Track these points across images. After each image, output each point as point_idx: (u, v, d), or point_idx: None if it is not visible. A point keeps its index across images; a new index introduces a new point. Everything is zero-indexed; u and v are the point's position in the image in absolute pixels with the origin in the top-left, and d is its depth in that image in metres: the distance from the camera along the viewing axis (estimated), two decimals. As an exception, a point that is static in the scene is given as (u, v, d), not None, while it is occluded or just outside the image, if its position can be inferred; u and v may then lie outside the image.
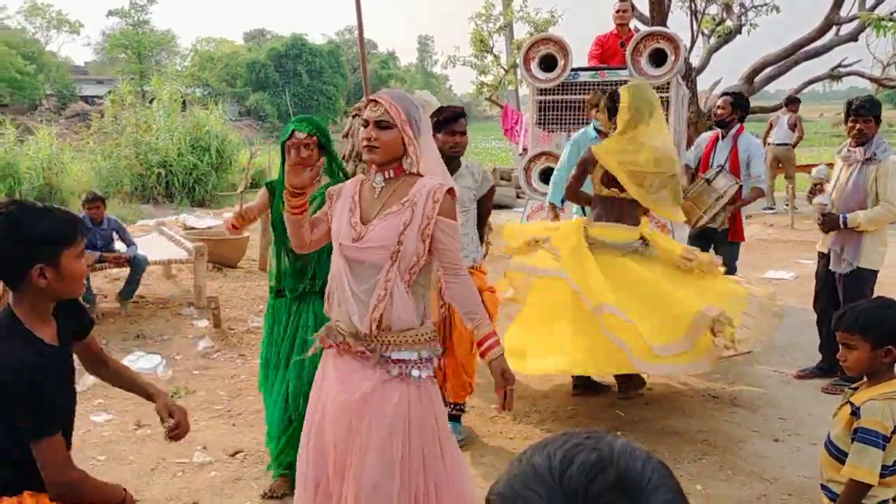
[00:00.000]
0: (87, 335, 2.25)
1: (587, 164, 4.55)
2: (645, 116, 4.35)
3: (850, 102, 4.89)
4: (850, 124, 4.83)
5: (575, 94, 6.78)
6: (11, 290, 1.96)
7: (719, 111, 5.83)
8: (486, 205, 4.32)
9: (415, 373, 2.49)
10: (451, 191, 2.50)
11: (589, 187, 4.66)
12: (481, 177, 4.25)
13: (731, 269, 5.86)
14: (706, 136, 6.11)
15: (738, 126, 5.81)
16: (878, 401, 2.40)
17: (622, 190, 4.42)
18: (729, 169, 5.64)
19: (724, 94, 6.17)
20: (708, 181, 5.54)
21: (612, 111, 4.54)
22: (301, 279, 3.60)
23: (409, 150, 2.50)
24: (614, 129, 4.51)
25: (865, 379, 2.51)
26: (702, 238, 5.83)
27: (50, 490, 1.92)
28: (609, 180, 4.45)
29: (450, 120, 4.06)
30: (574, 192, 4.76)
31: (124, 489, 2.12)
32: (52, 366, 1.94)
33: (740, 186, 5.60)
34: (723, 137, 5.84)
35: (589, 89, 6.81)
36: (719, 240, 5.79)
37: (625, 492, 0.76)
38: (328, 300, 2.65)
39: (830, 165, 5.87)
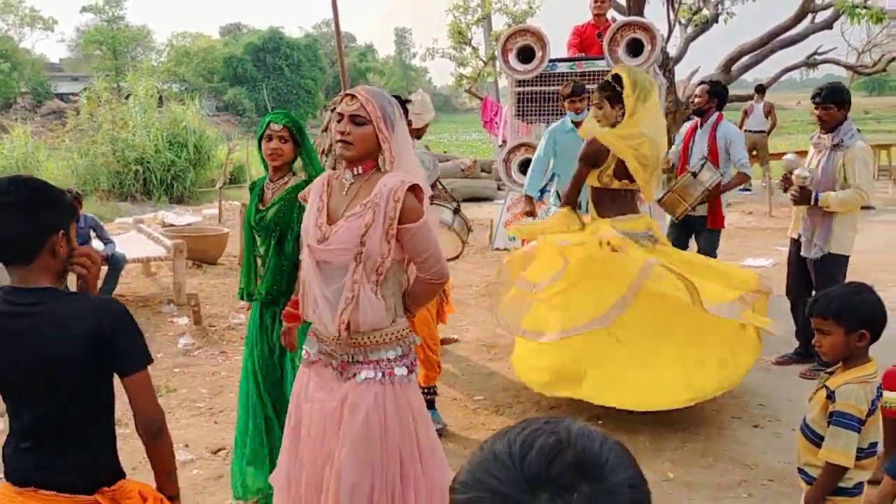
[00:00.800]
0: None
1: (596, 158, 4.35)
2: (646, 94, 4.30)
3: (816, 90, 4.96)
4: (813, 112, 4.95)
5: (553, 84, 6.79)
6: (20, 265, 1.89)
7: (697, 100, 5.83)
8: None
9: (398, 371, 2.49)
10: (414, 187, 2.44)
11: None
12: (432, 164, 4.25)
13: (711, 257, 5.90)
14: (686, 127, 6.14)
15: (716, 115, 5.82)
16: (853, 384, 2.43)
17: (632, 181, 4.34)
18: (708, 157, 5.66)
19: (702, 82, 6.18)
20: (694, 174, 5.55)
21: (615, 98, 4.33)
22: (272, 283, 3.37)
23: (384, 148, 2.46)
24: (621, 117, 4.35)
25: (841, 363, 2.54)
26: (682, 226, 5.85)
27: (142, 425, 1.97)
28: (622, 172, 4.33)
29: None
30: (576, 192, 4.57)
31: None
32: None
33: (720, 179, 5.63)
34: (701, 126, 5.86)
35: (567, 80, 6.83)
36: (699, 228, 5.80)
37: (584, 472, 0.78)
38: (303, 303, 2.63)
39: (802, 153, 5.93)
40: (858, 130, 4.96)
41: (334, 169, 2.64)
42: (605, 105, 4.34)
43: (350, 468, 2.40)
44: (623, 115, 4.32)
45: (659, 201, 5.83)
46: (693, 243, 5.97)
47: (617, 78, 4.35)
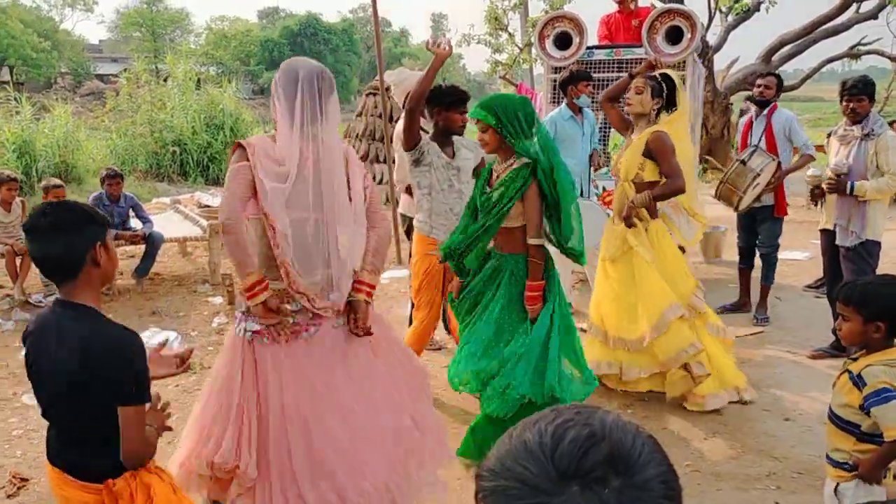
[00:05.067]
0: None
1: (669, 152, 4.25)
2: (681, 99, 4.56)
3: (843, 83, 5.00)
4: (843, 104, 4.94)
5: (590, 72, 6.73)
6: (68, 281, 2.05)
7: (766, 91, 5.79)
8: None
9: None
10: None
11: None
12: (474, 146, 4.30)
13: (773, 246, 5.89)
14: (743, 121, 6.15)
15: (772, 104, 5.81)
16: (877, 366, 2.45)
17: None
18: (766, 146, 5.66)
19: (768, 74, 6.06)
20: (743, 162, 5.55)
21: (657, 91, 4.33)
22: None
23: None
24: (655, 110, 4.35)
25: (864, 350, 2.56)
26: (747, 217, 5.91)
27: (126, 456, 2.05)
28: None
29: (465, 100, 4.29)
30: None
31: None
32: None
33: (779, 162, 5.62)
34: (756, 117, 5.86)
35: (604, 67, 6.78)
36: (764, 216, 5.86)
37: (616, 466, 0.76)
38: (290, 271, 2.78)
39: (818, 147, 5.96)
40: (892, 122, 5.02)
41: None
42: (647, 92, 4.32)
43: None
44: (658, 109, 4.38)
45: (715, 195, 5.83)
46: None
47: (665, 77, 4.46)
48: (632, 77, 4.54)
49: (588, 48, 6.64)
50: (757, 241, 5.99)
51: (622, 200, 4.39)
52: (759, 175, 5.47)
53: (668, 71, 4.55)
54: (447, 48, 3.98)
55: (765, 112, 5.81)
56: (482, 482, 0.82)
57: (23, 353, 2.15)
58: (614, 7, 7.45)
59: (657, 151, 4.23)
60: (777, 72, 6.69)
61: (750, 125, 5.94)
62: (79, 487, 2.08)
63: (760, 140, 5.75)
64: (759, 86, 5.87)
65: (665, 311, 4.15)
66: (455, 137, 4.37)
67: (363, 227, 2.93)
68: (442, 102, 4.25)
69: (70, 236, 2.03)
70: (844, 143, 5.02)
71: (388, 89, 6.63)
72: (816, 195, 5.10)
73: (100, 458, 2.07)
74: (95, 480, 2.07)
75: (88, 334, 1.99)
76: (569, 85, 5.80)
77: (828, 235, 5.17)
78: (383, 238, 3.04)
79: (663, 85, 4.40)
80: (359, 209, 2.90)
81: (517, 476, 0.78)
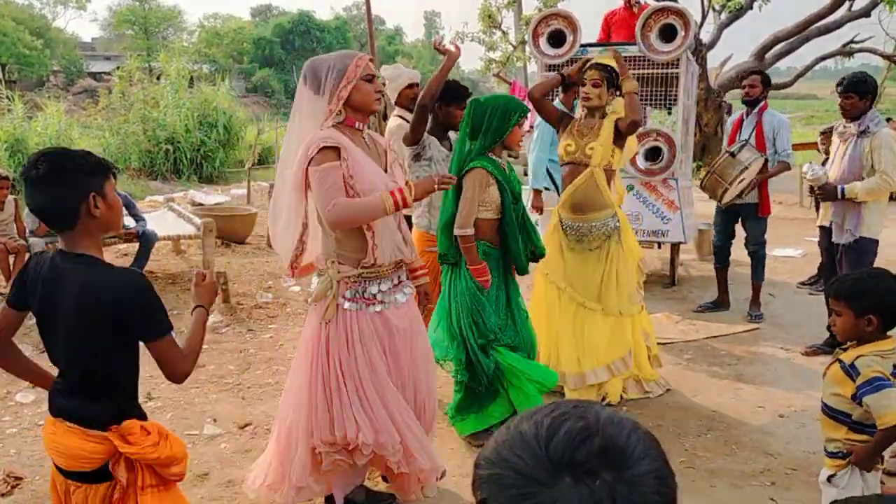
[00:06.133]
0: None
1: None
2: None
3: (840, 80, 5.02)
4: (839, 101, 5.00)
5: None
6: (67, 230, 2.06)
7: (752, 90, 5.84)
8: None
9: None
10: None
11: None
12: None
13: (759, 243, 5.93)
14: (732, 119, 6.22)
15: (762, 103, 5.85)
16: (869, 356, 2.47)
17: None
18: (755, 144, 5.70)
19: (753, 72, 6.11)
20: (732, 154, 5.59)
21: (611, 81, 4.38)
22: None
23: None
24: (611, 100, 4.42)
25: (855, 342, 2.58)
26: (730, 213, 5.94)
27: (172, 379, 2.17)
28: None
29: (466, 97, 4.38)
30: None
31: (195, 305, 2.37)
32: None
33: (766, 159, 5.66)
34: (747, 115, 5.90)
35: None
36: (748, 214, 5.90)
37: (609, 459, 0.77)
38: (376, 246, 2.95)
39: (812, 145, 6.02)
40: (889, 119, 5.01)
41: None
42: (604, 85, 4.36)
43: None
44: (612, 99, 4.42)
45: (700, 185, 5.86)
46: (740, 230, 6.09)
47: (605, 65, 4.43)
48: (563, 77, 4.69)
49: (582, 46, 6.64)
50: (743, 241, 6.05)
51: (590, 186, 4.39)
52: (746, 169, 5.54)
53: (605, 60, 4.50)
54: (456, 49, 4.18)
55: (755, 110, 5.86)
56: (479, 470, 0.83)
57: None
58: (608, 5, 7.47)
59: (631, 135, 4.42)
60: (767, 70, 6.75)
61: (740, 122, 5.99)
62: (78, 435, 2.07)
63: (751, 137, 5.79)
64: (745, 86, 5.95)
65: (612, 364, 4.37)
66: (451, 132, 4.48)
67: None
68: (444, 98, 4.36)
69: (59, 188, 2.01)
70: (843, 140, 5.04)
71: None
72: (819, 196, 5.12)
73: (106, 403, 2.10)
74: (99, 428, 2.08)
75: (88, 279, 2.01)
76: (576, 86, 5.75)
77: (826, 231, 5.20)
78: None
79: (613, 74, 4.40)
80: None
81: (511, 465, 0.79)
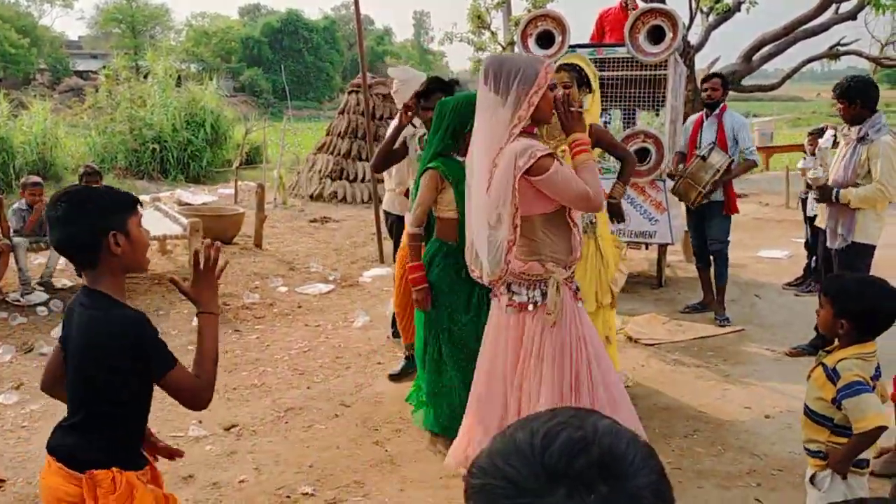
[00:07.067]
0: None
1: None
2: None
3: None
4: None
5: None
6: (89, 269, 2.07)
7: (713, 93, 5.93)
8: None
9: None
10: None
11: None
12: None
13: (723, 243, 5.95)
14: (692, 120, 6.25)
15: (721, 104, 5.93)
16: (851, 359, 2.50)
17: None
18: (717, 144, 5.77)
19: (713, 76, 6.23)
20: (703, 158, 5.63)
21: (581, 81, 4.32)
22: None
23: None
24: (582, 100, 4.34)
25: (837, 342, 2.61)
26: (697, 214, 5.95)
27: (190, 407, 2.15)
28: None
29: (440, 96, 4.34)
30: None
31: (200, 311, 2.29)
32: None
33: (732, 160, 5.73)
34: (707, 117, 5.97)
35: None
36: (714, 213, 5.92)
37: (606, 471, 0.75)
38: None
39: (798, 147, 6.05)
40: None
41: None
42: (574, 86, 4.30)
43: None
44: (584, 97, 4.35)
45: (672, 190, 5.89)
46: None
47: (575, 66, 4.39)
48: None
49: (570, 47, 6.64)
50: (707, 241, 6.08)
51: None
52: (718, 171, 5.57)
53: (573, 59, 4.44)
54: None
55: (715, 113, 5.94)
56: (471, 479, 0.80)
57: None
58: (595, 5, 7.48)
59: (603, 137, 4.31)
60: (755, 71, 6.78)
61: (700, 124, 6.04)
62: (62, 475, 2.04)
63: (715, 138, 5.86)
64: (706, 89, 6.02)
65: None
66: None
67: None
68: (425, 98, 4.39)
69: (77, 227, 2.02)
70: (845, 144, 4.93)
71: (371, 86, 6.61)
72: (815, 197, 5.11)
73: (90, 446, 2.05)
74: (79, 470, 2.03)
75: (90, 319, 2.02)
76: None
77: (823, 235, 5.16)
78: None
79: (582, 73, 4.34)
80: None
81: (505, 475, 0.76)
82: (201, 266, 2.21)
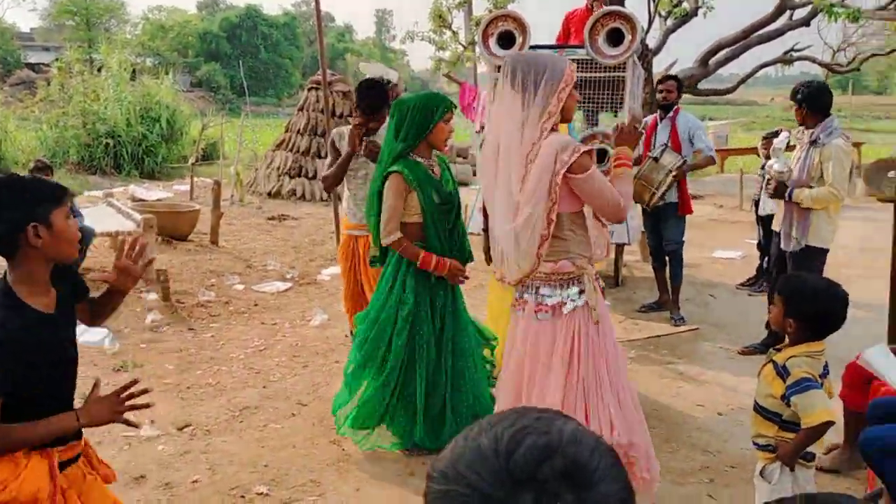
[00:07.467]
0: (83, 299, 2.33)
1: None
2: None
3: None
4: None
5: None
6: (8, 258, 2.05)
7: (668, 95, 6.04)
8: None
9: None
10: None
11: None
12: None
13: (678, 244, 6.03)
14: (646, 121, 6.29)
15: (675, 106, 6.07)
16: (801, 357, 2.58)
17: None
18: (671, 146, 5.84)
19: (668, 77, 6.33)
20: (655, 159, 5.71)
21: None
22: None
23: None
24: None
25: (787, 341, 2.69)
26: (653, 215, 6.03)
27: None
28: None
29: (378, 104, 4.41)
30: None
31: (75, 411, 2.19)
32: (32, 333, 2.02)
33: (685, 161, 5.81)
34: (661, 119, 6.04)
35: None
36: (669, 214, 6.00)
37: (571, 480, 0.74)
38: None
39: (752, 150, 6.15)
40: (848, 131, 5.00)
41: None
42: None
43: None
44: None
45: None
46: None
47: None
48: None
49: (531, 47, 6.66)
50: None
51: None
52: (670, 172, 5.65)
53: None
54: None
55: (669, 115, 6.05)
56: (432, 483, 0.78)
57: None
58: (558, 7, 7.53)
59: None
60: (710, 75, 6.88)
61: (654, 126, 6.13)
62: None
63: (668, 141, 5.95)
64: (661, 91, 6.15)
65: None
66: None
67: None
68: (364, 109, 4.38)
69: (2, 218, 1.99)
70: (800, 147, 5.02)
71: (331, 83, 6.55)
72: (769, 192, 5.16)
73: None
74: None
75: None
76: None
77: (778, 237, 5.22)
78: None
79: None
80: None
81: (469, 482, 0.75)
82: (125, 251, 2.23)
